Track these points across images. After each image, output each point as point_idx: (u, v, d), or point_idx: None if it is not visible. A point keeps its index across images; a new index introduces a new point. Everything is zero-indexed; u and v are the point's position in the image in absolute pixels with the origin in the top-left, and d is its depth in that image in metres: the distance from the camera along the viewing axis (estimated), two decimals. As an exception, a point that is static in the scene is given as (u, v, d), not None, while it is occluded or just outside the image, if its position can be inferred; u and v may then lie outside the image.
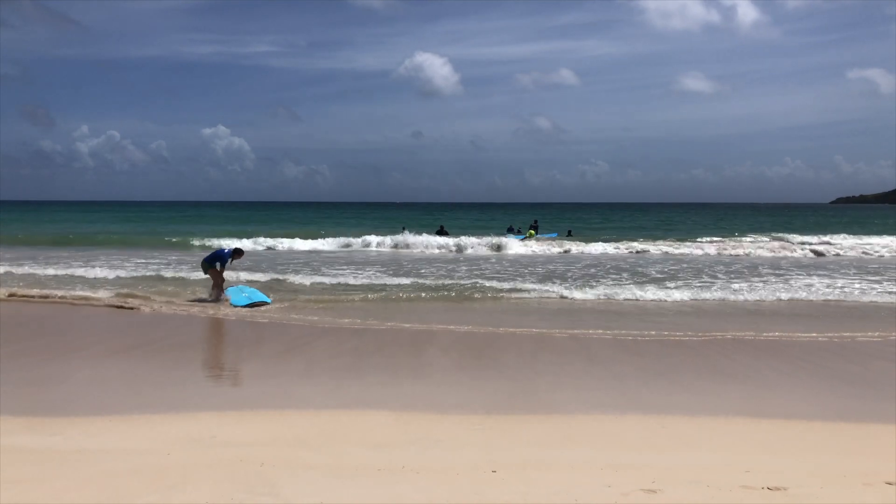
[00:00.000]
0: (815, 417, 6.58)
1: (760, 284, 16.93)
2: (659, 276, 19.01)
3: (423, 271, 20.08)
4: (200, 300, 13.85)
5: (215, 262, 13.90)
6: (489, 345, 9.93)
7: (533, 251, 28.10)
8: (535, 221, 38.42)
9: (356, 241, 31.23)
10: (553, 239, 33.80)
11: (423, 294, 15.14)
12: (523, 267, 21.63)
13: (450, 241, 30.11)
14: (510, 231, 44.37)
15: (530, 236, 34.11)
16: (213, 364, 9.39)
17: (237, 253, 14.35)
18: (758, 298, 14.57)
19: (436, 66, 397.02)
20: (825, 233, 38.27)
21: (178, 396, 7.61)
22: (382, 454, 5.26)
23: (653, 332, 10.70)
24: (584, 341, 10.16)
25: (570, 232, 38.45)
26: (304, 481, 4.64)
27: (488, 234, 33.28)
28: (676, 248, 28.29)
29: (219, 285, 13.86)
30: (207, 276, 14.25)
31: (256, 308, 12.90)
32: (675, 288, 15.97)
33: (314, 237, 33.25)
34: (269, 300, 13.46)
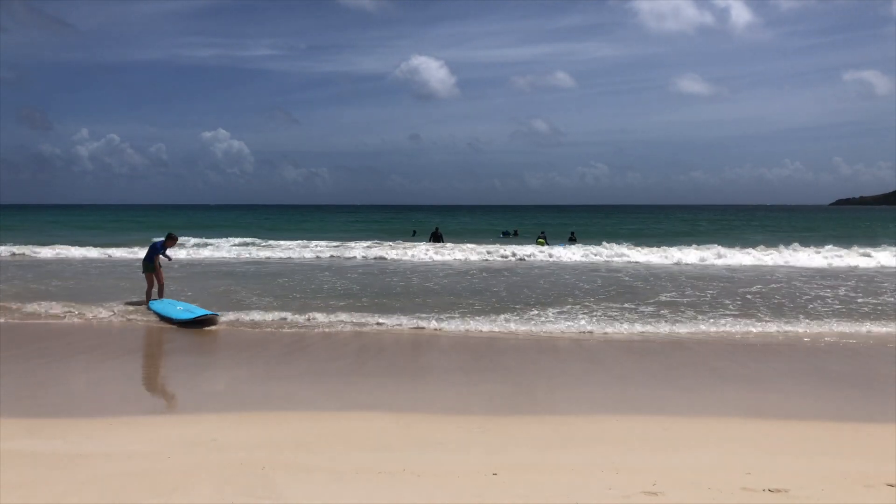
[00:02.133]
0: (816, 419, 6.59)
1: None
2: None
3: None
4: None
5: (151, 257, 13.35)
6: (489, 347, 9.93)
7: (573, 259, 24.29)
8: (543, 232, 37.79)
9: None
10: (563, 248, 32.33)
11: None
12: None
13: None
14: (505, 234, 44.35)
15: (540, 244, 33.71)
16: (212, 366, 9.36)
17: (169, 239, 13.65)
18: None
19: (432, 69, 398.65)
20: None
21: (178, 399, 7.61)
22: (383, 457, 5.25)
23: (653, 333, 10.70)
24: (584, 343, 10.15)
25: (572, 234, 38.17)
26: (305, 484, 4.64)
27: (486, 239, 33.04)
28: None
29: (149, 293, 13.29)
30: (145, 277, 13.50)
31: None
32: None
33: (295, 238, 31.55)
34: (216, 313, 12.04)
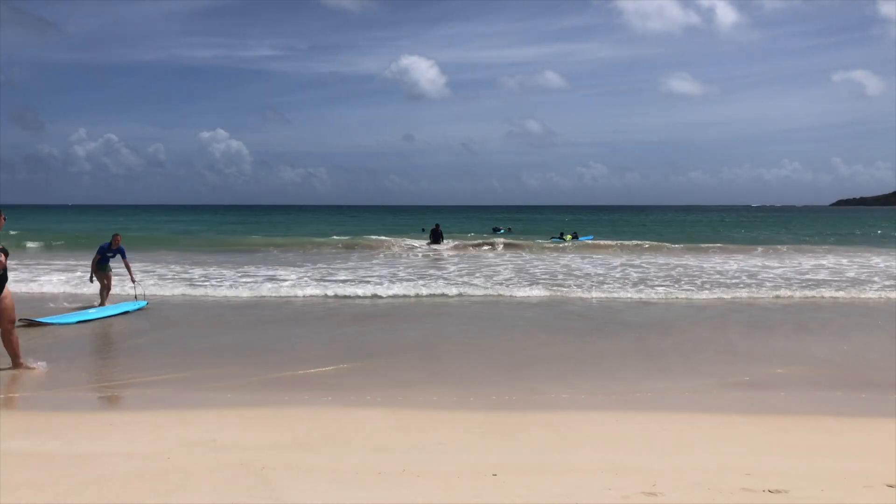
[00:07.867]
0: (816, 419, 6.59)
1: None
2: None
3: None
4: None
5: (100, 258, 13.30)
6: (490, 347, 9.93)
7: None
8: (575, 232, 38.87)
9: None
10: (588, 242, 34.40)
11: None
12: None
13: None
14: (495, 230, 45.36)
15: (568, 239, 35.15)
16: (212, 364, 9.35)
17: (115, 239, 13.47)
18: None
19: (424, 70, 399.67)
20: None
21: (178, 396, 7.60)
22: (383, 457, 5.25)
23: (654, 332, 10.70)
24: (585, 341, 10.16)
25: (568, 231, 38.56)
26: (305, 484, 4.64)
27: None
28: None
29: (107, 287, 13.23)
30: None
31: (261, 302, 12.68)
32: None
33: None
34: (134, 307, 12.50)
